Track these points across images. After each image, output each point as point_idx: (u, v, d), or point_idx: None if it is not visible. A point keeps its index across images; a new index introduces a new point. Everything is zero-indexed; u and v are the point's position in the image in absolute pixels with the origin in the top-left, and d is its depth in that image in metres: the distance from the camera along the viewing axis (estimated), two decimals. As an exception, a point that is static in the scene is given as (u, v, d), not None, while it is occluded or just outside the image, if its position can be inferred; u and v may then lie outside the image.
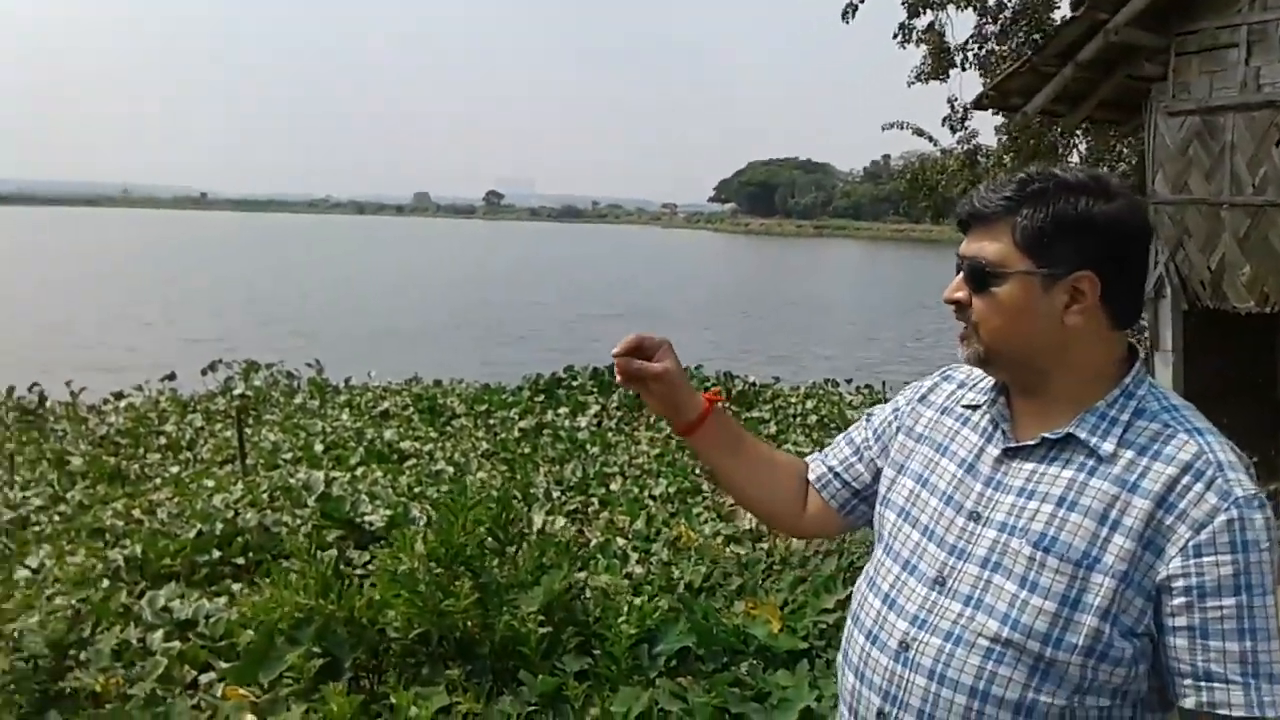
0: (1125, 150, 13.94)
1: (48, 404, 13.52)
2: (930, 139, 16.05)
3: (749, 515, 6.68)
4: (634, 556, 5.65)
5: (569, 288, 47.62)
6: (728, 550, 5.46)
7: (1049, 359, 1.62)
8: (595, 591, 3.57)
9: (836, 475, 1.94)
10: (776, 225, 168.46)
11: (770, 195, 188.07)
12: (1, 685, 2.92)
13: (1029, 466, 1.62)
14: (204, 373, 15.43)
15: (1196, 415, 1.61)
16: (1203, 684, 1.48)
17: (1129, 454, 1.55)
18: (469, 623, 2.99)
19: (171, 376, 14.86)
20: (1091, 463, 1.57)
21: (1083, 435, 1.59)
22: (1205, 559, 1.47)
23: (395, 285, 47.13)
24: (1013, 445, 1.65)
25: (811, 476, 1.97)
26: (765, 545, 5.78)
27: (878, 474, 1.88)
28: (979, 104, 9.60)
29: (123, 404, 13.73)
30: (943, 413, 1.81)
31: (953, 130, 15.40)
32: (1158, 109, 8.06)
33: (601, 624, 3.13)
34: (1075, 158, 14.58)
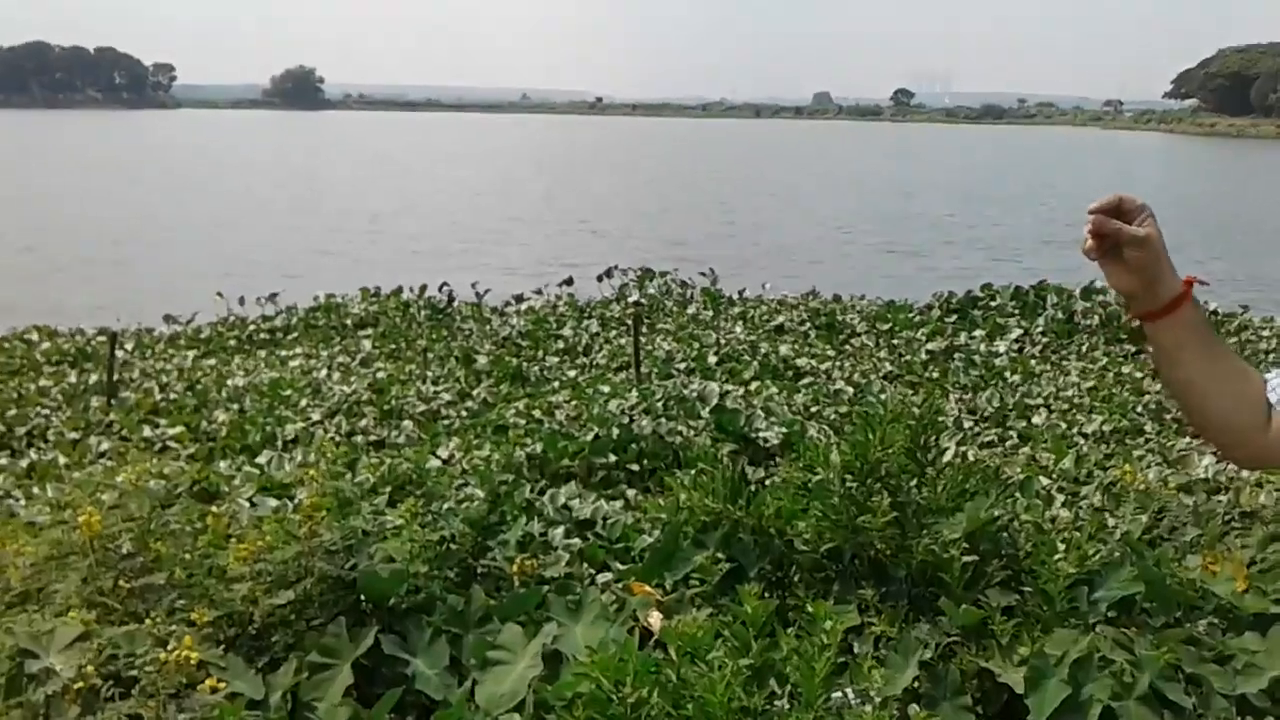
0: None
1: (455, 303, 15.10)
2: None
3: (1203, 462, 6.19)
4: (1060, 499, 5.46)
5: (996, 197, 45.77)
6: (1179, 498, 5.10)
7: None
8: (1026, 525, 3.48)
9: None
10: (1250, 126, 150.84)
11: (1245, 90, 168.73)
12: (430, 558, 3.34)
13: None
14: (599, 279, 16.51)
15: None
16: None
17: None
18: (884, 543, 3.03)
19: (569, 281, 16.04)
20: None
21: None
22: None
23: (793, 192, 47.56)
24: None
25: (1275, 397, 1.82)
26: (1225, 497, 5.34)
27: None
28: None
29: (523, 307, 15.05)
30: None
31: None
32: None
33: (1032, 560, 3.06)
34: None
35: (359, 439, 7.86)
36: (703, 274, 16.73)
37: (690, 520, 3.36)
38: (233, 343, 13.35)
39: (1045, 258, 25.91)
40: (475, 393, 9.31)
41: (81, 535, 3.15)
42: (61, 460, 7.30)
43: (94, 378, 10.51)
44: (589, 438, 6.42)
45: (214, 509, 4.34)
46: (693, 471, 4.28)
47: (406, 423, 8.17)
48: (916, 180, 56.79)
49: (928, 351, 11.05)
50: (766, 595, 3.05)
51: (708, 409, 7.25)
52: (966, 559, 2.98)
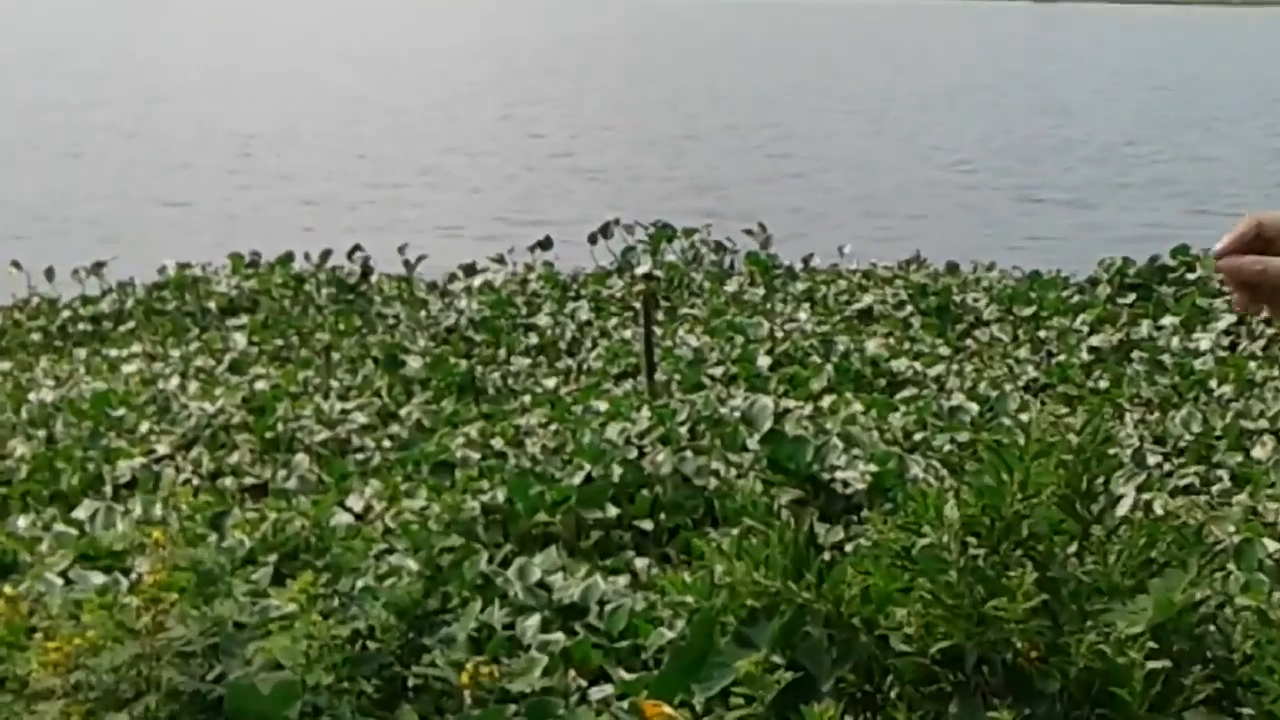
0: None
1: (373, 278, 15.11)
2: None
3: None
4: (1294, 569, 5.47)
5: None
6: None
7: None
8: (1244, 614, 3.48)
9: None
10: None
11: None
12: (336, 663, 3.34)
13: None
14: (592, 240, 16.52)
15: None
16: None
17: None
18: (1027, 640, 3.03)
19: (545, 244, 16.03)
20: None
21: None
22: None
23: (885, 110, 47.59)
24: None
25: None
26: None
27: None
28: None
29: (476, 282, 15.04)
30: None
31: None
32: None
33: (1254, 666, 3.06)
34: None
35: (228, 482, 7.87)
36: (748, 232, 16.74)
37: (731, 606, 3.36)
38: (37, 337, 13.39)
39: (1275, 208, 25.77)
40: (404, 412, 9.32)
41: None
42: None
43: None
44: (577, 480, 6.44)
45: (9, 588, 4.35)
46: (735, 531, 4.28)
47: (300, 458, 8.18)
48: (1074, 91, 56.76)
49: (1091, 349, 11.03)
50: (848, 718, 3.05)
51: (757, 437, 7.26)
52: (1153, 664, 2.98)
